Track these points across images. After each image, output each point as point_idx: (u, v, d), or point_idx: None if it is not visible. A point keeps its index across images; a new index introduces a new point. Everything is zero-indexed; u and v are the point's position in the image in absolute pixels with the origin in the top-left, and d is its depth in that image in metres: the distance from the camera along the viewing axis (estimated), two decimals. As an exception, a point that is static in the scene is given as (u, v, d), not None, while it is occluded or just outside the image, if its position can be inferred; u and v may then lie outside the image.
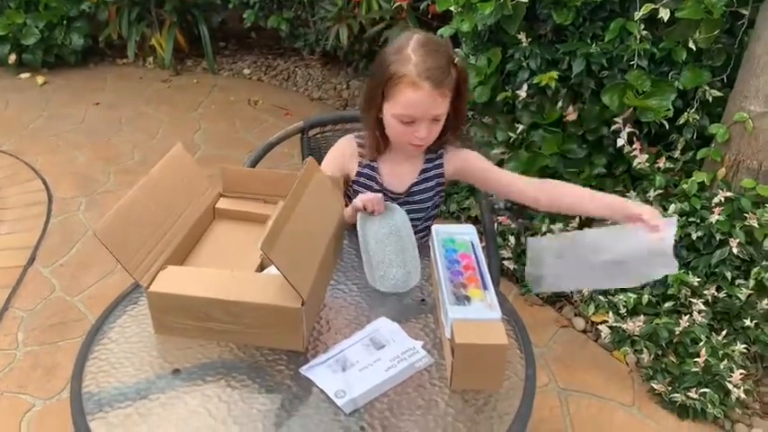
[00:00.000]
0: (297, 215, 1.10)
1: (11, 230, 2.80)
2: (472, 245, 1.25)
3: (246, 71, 4.68)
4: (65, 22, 4.43)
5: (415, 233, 1.45)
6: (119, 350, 1.14)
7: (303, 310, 1.07)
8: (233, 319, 1.12)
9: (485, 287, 1.14)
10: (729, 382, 1.95)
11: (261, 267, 1.23)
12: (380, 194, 1.44)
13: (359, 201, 1.42)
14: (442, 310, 1.13)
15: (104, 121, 3.87)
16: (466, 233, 1.28)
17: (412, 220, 1.54)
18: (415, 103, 1.40)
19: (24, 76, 4.42)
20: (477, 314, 1.07)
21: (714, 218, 2.11)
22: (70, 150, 3.51)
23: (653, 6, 2.13)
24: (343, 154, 1.58)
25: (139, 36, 4.56)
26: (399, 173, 1.56)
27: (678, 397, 1.99)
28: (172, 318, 1.15)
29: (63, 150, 3.50)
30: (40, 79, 4.37)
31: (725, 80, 2.25)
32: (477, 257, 1.21)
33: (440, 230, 1.29)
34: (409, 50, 1.40)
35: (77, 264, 2.63)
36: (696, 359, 1.99)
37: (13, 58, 4.37)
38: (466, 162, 1.59)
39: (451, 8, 2.53)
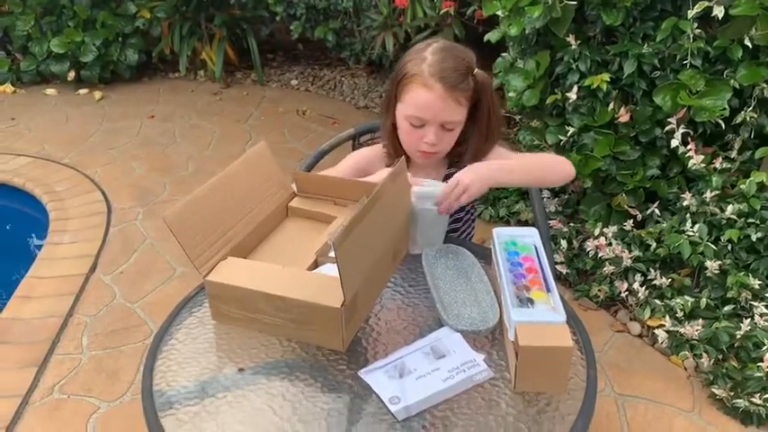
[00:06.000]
0: (371, 216, 1.11)
1: (73, 240, 2.91)
2: (535, 248, 1.23)
3: (294, 82, 4.76)
4: (120, 38, 4.59)
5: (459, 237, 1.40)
6: (186, 350, 1.18)
7: (342, 311, 1.09)
8: (279, 314, 1.15)
9: (548, 290, 1.13)
10: (795, 387, 1.89)
11: (315, 265, 1.26)
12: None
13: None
14: (505, 313, 1.13)
15: (159, 133, 3.99)
16: (528, 235, 1.26)
17: (452, 231, 1.49)
18: (424, 103, 1.36)
19: (83, 91, 4.59)
20: (541, 317, 1.07)
21: (775, 218, 2.06)
22: (127, 162, 3.63)
23: (707, 4, 2.10)
24: (366, 158, 1.57)
25: (191, 50, 4.69)
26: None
27: (741, 403, 1.94)
28: (226, 306, 1.19)
29: (120, 162, 3.63)
30: (97, 94, 4.53)
31: (783, 77, 2.19)
32: (539, 260, 1.20)
33: (501, 233, 1.27)
34: (427, 52, 1.38)
35: (136, 271, 2.71)
36: (759, 364, 1.94)
37: (72, 74, 4.55)
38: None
39: (498, 12, 2.54)
